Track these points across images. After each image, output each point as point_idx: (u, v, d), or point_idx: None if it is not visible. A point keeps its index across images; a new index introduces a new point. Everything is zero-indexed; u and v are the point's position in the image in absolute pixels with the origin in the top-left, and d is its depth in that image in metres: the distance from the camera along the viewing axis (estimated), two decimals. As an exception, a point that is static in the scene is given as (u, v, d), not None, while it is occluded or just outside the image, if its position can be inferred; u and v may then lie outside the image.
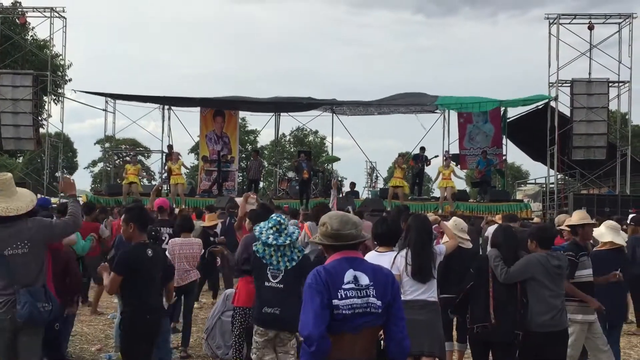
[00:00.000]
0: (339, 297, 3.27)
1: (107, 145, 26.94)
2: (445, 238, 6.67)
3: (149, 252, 5.33)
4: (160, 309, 5.44)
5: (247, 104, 24.99)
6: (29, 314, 4.78)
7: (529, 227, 10.33)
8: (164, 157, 24.20)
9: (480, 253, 10.19)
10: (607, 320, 7.09)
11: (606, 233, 6.97)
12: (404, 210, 9.03)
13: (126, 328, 5.39)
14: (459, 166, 23.21)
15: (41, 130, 24.26)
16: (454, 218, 6.67)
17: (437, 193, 20.88)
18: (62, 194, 25.83)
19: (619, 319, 7.09)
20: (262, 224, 5.72)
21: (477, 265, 5.77)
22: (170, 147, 22.11)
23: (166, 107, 24.76)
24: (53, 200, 22.65)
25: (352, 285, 3.31)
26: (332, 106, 24.47)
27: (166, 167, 20.63)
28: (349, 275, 3.33)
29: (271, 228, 5.61)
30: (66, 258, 6.50)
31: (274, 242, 5.56)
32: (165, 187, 22.35)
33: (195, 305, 9.71)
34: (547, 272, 5.48)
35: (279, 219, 5.70)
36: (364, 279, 3.34)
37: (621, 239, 7.05)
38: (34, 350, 4.96)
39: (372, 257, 5.38)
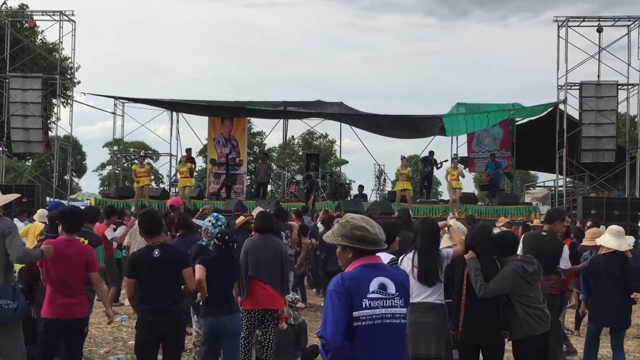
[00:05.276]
0: (363, 306, 3.18)
1: (115, 148, 26.98)
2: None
3: (156, 252, 5.37)
4: (172, 309, 5.38)
5: (255, 112, 24.88)
6: None
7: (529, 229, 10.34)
8: (172, 160, 24.28)
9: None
10: (609, 324, 7.08)
11: (611, 240, 6.91)
12: (406, 215, 9.00)
13: (137, 329, 5.56)
14: (467, 169, 23.16)
15: (50, 133, 24.40)
16: (454, 221, 6.59)
17: (445, 196, 20.81)
18: (71, 197, 26.01)
19: (622, 323, 7.05)
20: (207, 222, 6.66)
21: (454, 272, 5.68)
22: (188, 150, 21.95)
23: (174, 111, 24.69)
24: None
25: (378, 295, 3.23)
26: (341, 117, 24.21)
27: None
28: (374, 283, 3.24)
29: (220, 227, 6.58)
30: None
31: None
32: (174, 189, 22.41)
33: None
34: (526, 283, 5.48)
35: (224, 219, 6.86)
36: (392, 288, 3.27)
37: (626, 244, 6.99)
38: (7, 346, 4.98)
39: None
